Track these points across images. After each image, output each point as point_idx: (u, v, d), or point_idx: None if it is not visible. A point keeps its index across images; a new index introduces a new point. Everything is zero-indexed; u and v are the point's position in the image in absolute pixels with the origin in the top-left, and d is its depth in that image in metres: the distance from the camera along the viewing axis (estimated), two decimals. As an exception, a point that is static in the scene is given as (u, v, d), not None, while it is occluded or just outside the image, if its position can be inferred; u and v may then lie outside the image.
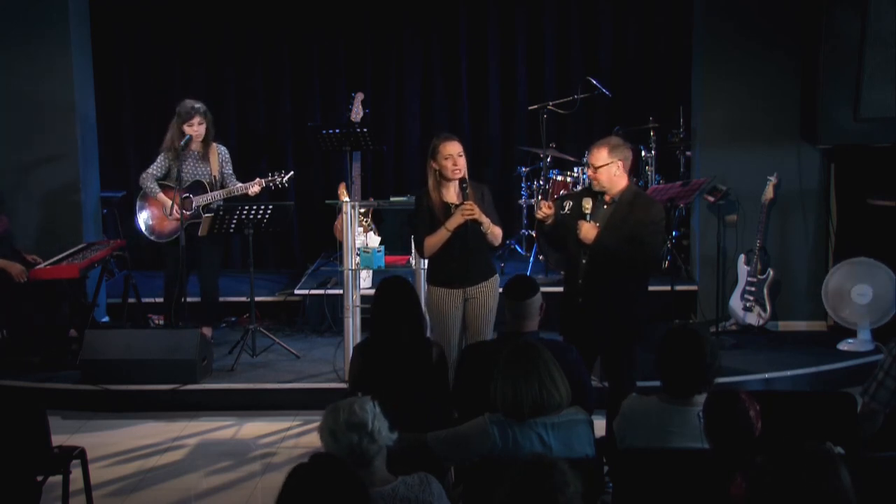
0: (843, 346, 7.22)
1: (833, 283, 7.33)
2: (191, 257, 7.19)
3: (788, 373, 6.77)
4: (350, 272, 6.56)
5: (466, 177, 5.44)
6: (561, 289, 5.53)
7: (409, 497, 3.31)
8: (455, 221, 5.38)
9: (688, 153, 8.51)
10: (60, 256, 7.31)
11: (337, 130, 7.80)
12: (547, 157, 8.36)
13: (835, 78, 7.23)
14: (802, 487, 2.77)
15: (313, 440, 4.88)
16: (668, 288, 7.31)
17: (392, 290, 4.63)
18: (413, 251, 6.21)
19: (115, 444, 6.07)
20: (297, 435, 6.19)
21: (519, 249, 8.83)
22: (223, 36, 9.36)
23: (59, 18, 7.74)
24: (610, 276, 5.21)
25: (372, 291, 5.10)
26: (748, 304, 7.46)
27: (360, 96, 7.88)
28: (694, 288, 7.90)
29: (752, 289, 7.43)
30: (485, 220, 5.39)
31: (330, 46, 9.40)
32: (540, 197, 8.19)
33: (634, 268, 5.27)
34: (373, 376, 4.45)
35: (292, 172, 7.31)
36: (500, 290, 4.88)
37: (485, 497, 3.18)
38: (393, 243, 7.49)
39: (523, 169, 8.73)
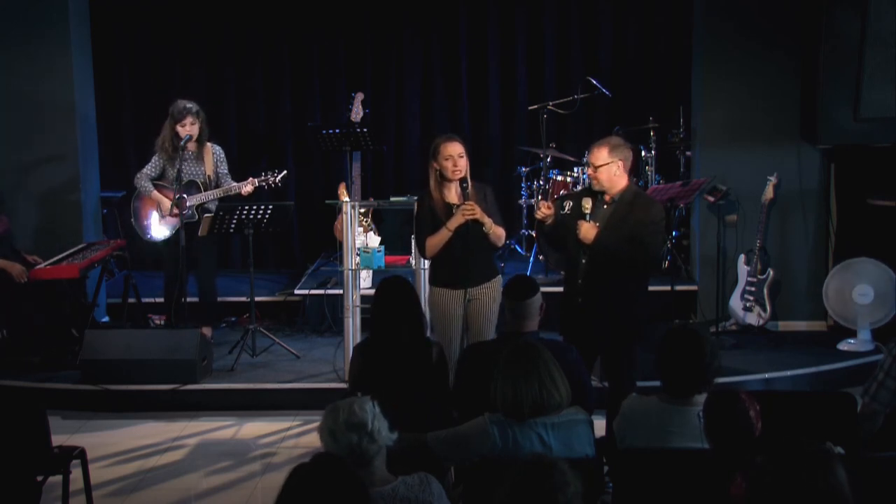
0: (843, 346, 7.22)
1: (834, 284, 7.33)
2: (189, 257, 7.19)
3: (788, 373, 6.77)
4: (350, 272, 6.56)
5: (468, 177, 5.44)
6: (561, 289, 5.52)
7: (409, 497, 3.31)
8: (456, 221, 5.38)
9: (688, 153, 8.51)
10: (60, 256, 7.31)
11: (337, 130, 7.80)
12: (547, 157, 8.36)
13: (835, 78, 7.23)
14: (802, 487, 2.77)
15: (313, 440, 4.90)
16: (668, 288, 7.31)
17: (392, 290, 4.63)
18: (413, 251, 6.21)
19: (115, 444, 6.07)
20: (297, 435, 6.19)
21: (519, 249, 8.84)
22: (223, 36, 9.36)
23: (59, 18, 7.74)
24: (610, 276, 5.21)
25: (372, 291, 5.10)
26: (748, 304, 7.46)
27: (360, 96, 7.88)
28: (694, 288, 7.90)
29: (752, 289, 7.43)
30: (486, 220, 5.39)
31: (330, 46, 9.40)
32: (540, 197, 8.19)
33: (634, 268, 5.27)
34: (373, 376, 4.45)
35: (286, 171, 7.29)
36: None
37: (485, 497, 3.18)
38: (393, 243, 7.49)
39: (523, 169, 8.73)
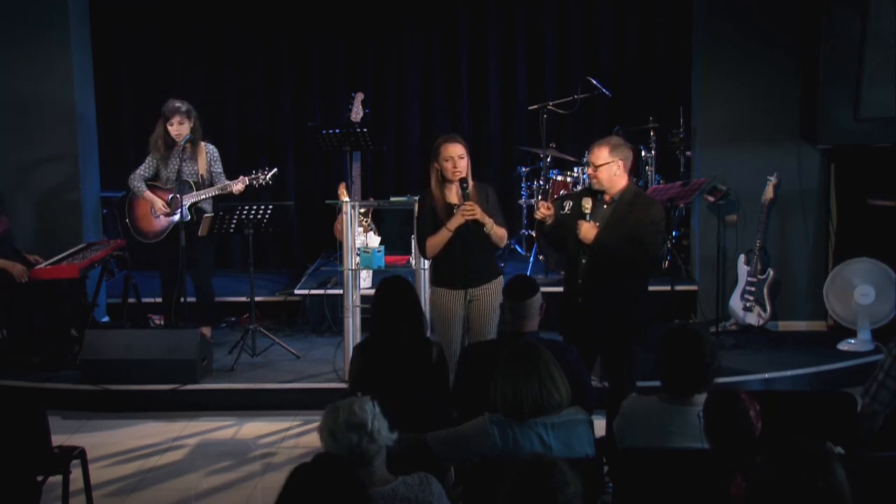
0: (843, 346, 7.22)
1: (834, 284, 7.33)
2: (188, 257, 7.18)
3: (788, 373, 6.77)
4: (350, 272, 6.56)
5: (469, 178, 5.44)
6: (561, 289, 5.52)
7: (409, 497, 3.31)
8: (456, 222, 5.38)
9: (688, 153, 8.51)
10: (60, 256, 7.31)
11: (337, 130, 7.80)
12: (547, 157, 8.36)
13: (835, 78, 7.23)
14: (802, 487, 2.77)
15: (313, 440, 4.90)
16: (668, 288, 7.31)
17: (392, 290, 4.62)
18: (413, 251, 6.21)
19: (115, 444, 6.07)
20: (297, 435, 6.19)
21: (519, 249, 8.84)
22: (223, 36, 9.36)
23: (59, 18, 7.74)
24: (610, 276, 5.21)
25: (372, 291, 5.09)
26: (748, 304, 7.45)
27: (360, 96, 7.88)
28: (694, 288, 7.90)
29: (752, 289, 7.43)
30: (487, 220, 5.39)
31: (330, 46, 9.40)
32: (540, 197, 8.19)
33: (634, 268, 5.27)
34: (373, 376, 4.45)
35: (276, 170, 7.26)
36: (503, 291, 4.88)
37: (485, 497, 3.19)
38: (393, 243, 7.49)
39: (523, 169, 8.73)
